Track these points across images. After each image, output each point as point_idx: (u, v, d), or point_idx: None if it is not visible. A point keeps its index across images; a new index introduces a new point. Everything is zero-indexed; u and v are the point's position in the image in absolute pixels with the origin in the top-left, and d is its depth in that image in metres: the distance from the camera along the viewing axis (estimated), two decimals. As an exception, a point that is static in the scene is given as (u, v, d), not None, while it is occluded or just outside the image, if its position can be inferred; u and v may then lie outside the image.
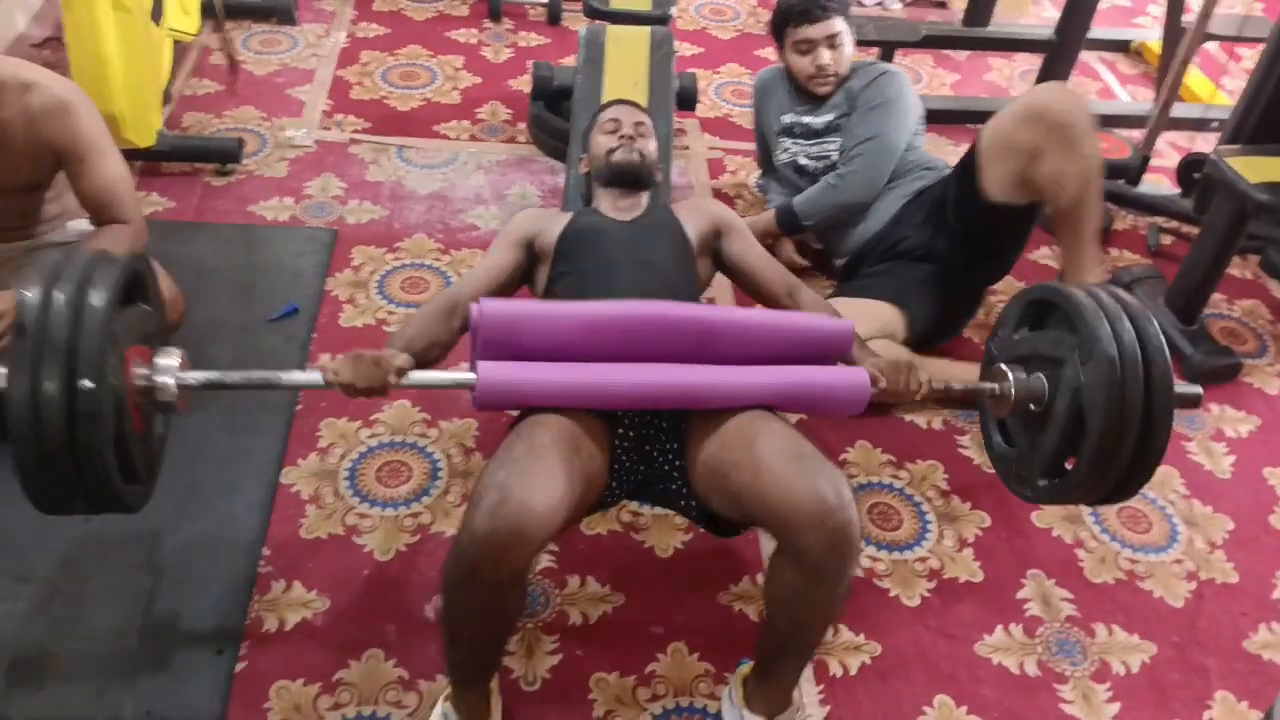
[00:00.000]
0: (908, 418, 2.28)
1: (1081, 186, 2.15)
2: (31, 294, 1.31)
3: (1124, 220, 2.98)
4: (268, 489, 1.94)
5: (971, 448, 2.21)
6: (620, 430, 1.64)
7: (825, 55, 2.50)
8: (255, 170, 2.82)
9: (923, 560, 1.96)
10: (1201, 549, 2.05)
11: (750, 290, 1.97)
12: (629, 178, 1.99)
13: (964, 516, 2.06)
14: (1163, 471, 2.19)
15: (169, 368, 1.46)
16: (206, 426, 2.04)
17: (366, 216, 2.69)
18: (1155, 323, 1.54)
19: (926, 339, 2.35)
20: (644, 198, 2.01)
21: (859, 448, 2.19)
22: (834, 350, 1.68)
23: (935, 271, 2.36)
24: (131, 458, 1.42)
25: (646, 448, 1.66)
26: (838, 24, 2.49)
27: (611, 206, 1.98)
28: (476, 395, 1.50)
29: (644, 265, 1.82)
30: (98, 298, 1.33)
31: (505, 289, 1.89)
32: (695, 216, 1.97)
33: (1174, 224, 2.94)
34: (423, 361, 1.65)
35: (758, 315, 1.69)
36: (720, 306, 1.71)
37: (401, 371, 1.51)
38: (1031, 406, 1.63)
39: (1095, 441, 1.51)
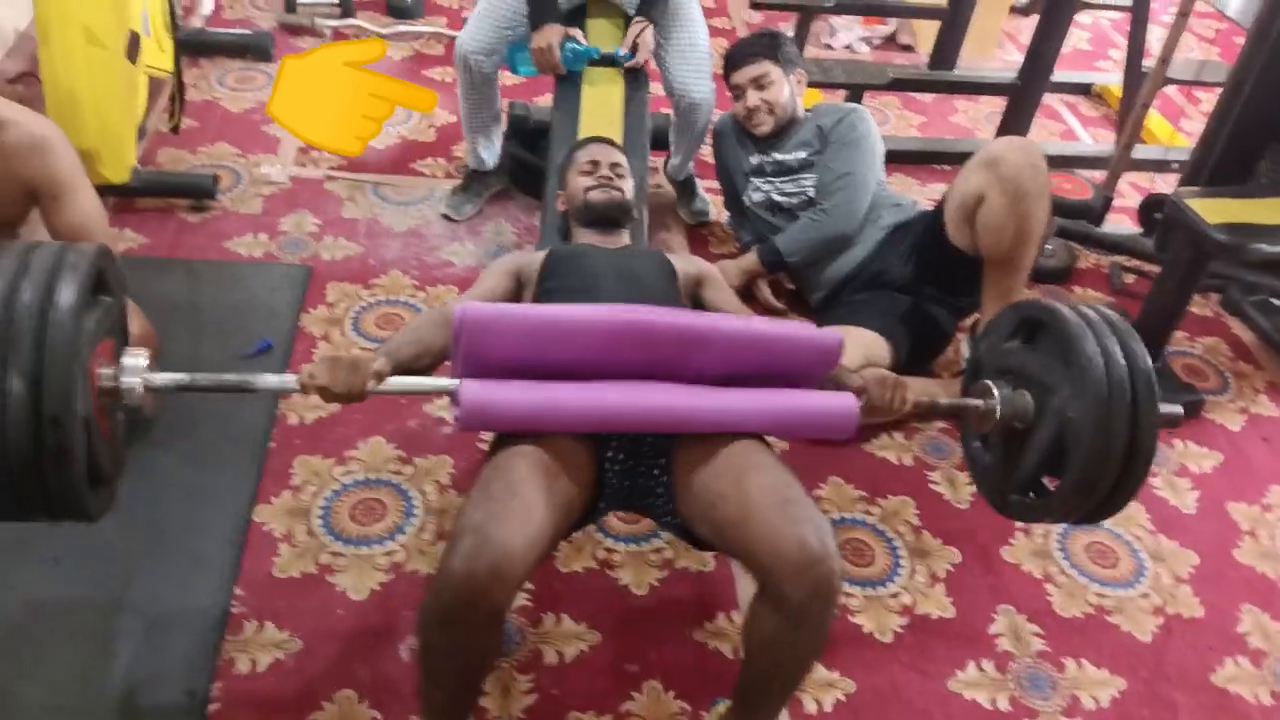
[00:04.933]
0: (879, 454, 2.31)
1: (1016, 244, 2.23)
2: None
3: (1087, 259, 3.04)
4: (240, 527, 1.93)
5: (942, 483, 2.24)
6: (609, 453, 1.63)
7: (752, 97, 2.59)
8: (230, 206, 2.82)
9: (895, 596, 1.98)
10: (1168, 584, 2.08)
11: None
12: (608, 218, 2.03)
13: (935, 552, 2.08)
14: (1129, 507, 2.20)
15: (135, 368, 1.40)
16: (177, 463, 2.02)
17: (341, 253, 2.70)
18: (1144, 349, 1.53)
19: (905, 369, 2.39)
20: (624, 237, 2.06)
21: (831, 483, 2.21)
22: (824, 362, 1.64)
23: (915, 303, 2.43)
24: (98, 461, 1.36)
25: (632, 463, 1.64)
26: (762, 66, 2.58)
27: (593, 240, 2.02)
28: (460, 416, 1.46)
29: (629, 279, 1.83)
30: (65, 299, 1.25)
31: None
32: (681, 261, 2.01)
33: (1136, 263, 3.00)
34: (410, 370, 1.62)
35: (746, 323, 1.65)
36: (707, 313, 1.71)
37: (380, 376, 1.48)
38: (1015, 424, 1.63)
39: (1077, 475, 1.51)
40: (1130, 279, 2.96)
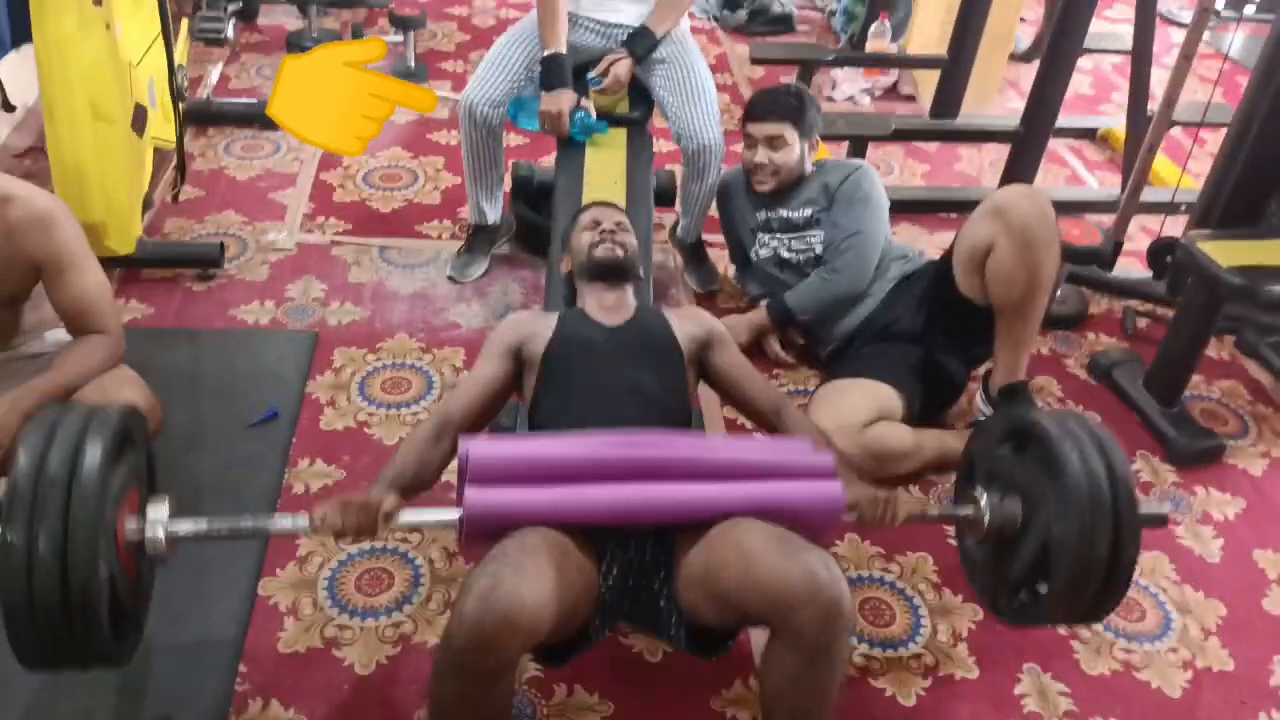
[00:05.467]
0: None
1: (1027, 292, 2.22)
2: (26, 457, 1.37)
3: (1099, 304, 3.01)
4: (245, 601, 1.90)
5: (960, 538, 2.19)
6: (604, 566, 1.64)
7: (760, 154, 2.58)
8: (237, 274, 2.82)
9: (917, 658, 1.92)
10: (1196, 636, 2.02)
11: (736, 404, 2.03)
12: (612, 271, 2.02)
13: (957, 610, 2.03)
14: (1152, 557, 2.18)
15: (159, 520, 1.51)
16: (184, 537, 2.00)
17: (348, 318, 2.69)
18: (1124, 458, 1.63)
19: (918, 420, 2.36)
20: (629, 294, 2.03)
21: (848, 541, 2.17)
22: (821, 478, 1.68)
23: (926, 354, 2.40)
24: (123, 611, 1.47)
25: (631, 581, 1.66)
26: (781, 128, 2.55)
27: (598, 306, 1.99)
28: (464, 526, 1.53)
29: (632, 390, 1.82)
30: (89, 467, 1.37)
31: (496, 399, 1.90)
32: (687, 322, 2.00)
33: (1149, 307, 2.97)
34: (415, 487, 1.71)
35: (741, 454, 1.69)
36: (704, 440, 1.75)
37: (389, 516, 1.55)
38: (1005, 531, 1.71)
39: (1062, 588, 1.61)
40: (1143, 323, 2.93)
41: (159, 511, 1.52)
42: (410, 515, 1.60)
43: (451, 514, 1.57)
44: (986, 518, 1.71)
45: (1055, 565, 1.62)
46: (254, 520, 1.61)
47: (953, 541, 2.17)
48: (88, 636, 1.38)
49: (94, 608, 1.36)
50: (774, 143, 2.56)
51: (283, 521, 1.59)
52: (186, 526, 1.54)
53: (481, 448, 1.58)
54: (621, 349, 1.89)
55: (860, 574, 2.09)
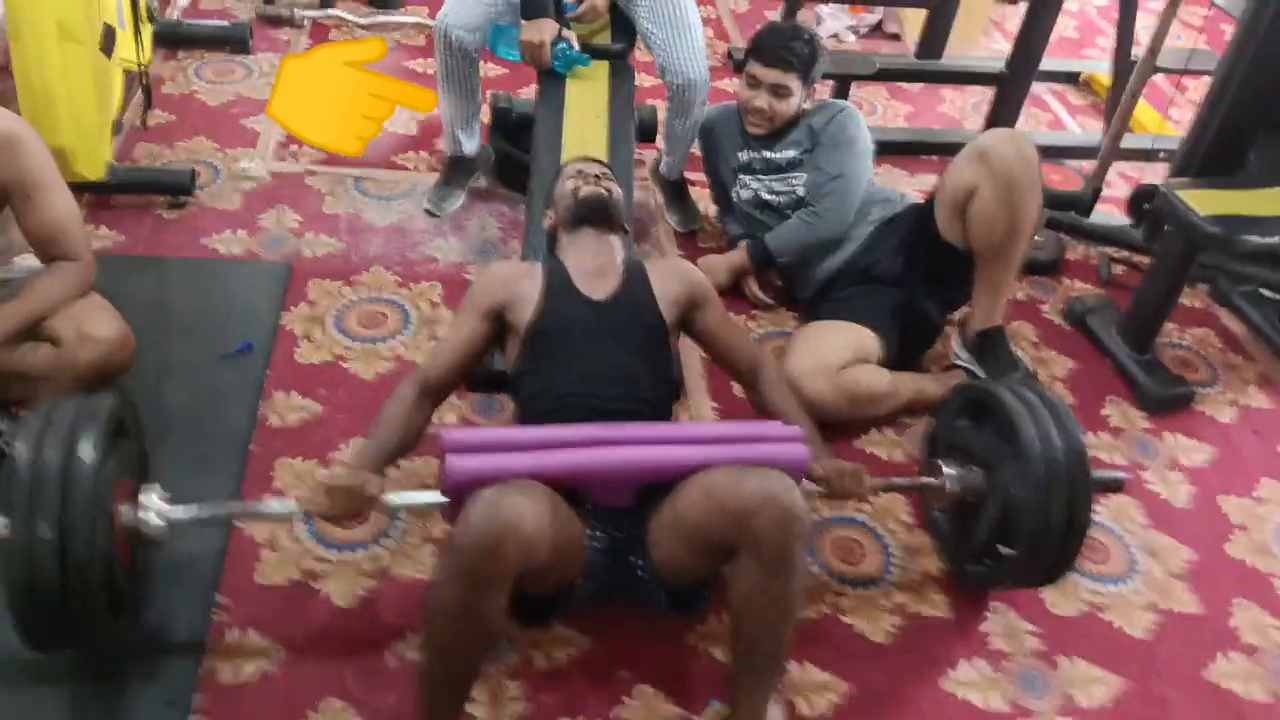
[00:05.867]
0: (869, 449, 2.28)
1: (1007, 236, 2.23)
2: (24, 445, 1.43)
3: (1076, 251, 3.02)
4: (222, 534, 1.89)
5: (934, 480, 2.22)
6: (586, 536, 1.67)
7: (761, 100, 2.53)
8: (208, 203, 2.77)
9: (888, 595, 1.96)
10: (1161, 579, 2.07)
11: (715, 359, 2.07)
12: (597, 211, 1.97)
13: (928, 550, 2.05)
14: (1122, 501, 2.22)
15: (153, 505, 1.59)
16: (155, 466, 1.98)
17: (323, 249, 2.66)
18: (1077, 427, 1.76)
19: (895, 363, 2.37)
20: (616, 246, 1.97)
21: (822, 481, 2.18)
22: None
23: (905, 297, 2.41)
24: (120, 593, 1.55)
25: (611, 555, 1.68)
26: (787, 78, 2.50)
27: (583, 267, 1.92)
28: (448, 485, 1.55)
29: (618, 376, 1.81)
30: (85, 454, 1.45)
31: (474, 359, 1.91)
32: (671, 284, 1.95)
33: (1126, 254, 2.98)
34: (400, 453, 1.79)
35: (712, 431, 1.79)
36: (681, 431, 1.82)
37: (375, 500, 1.62)
38: (968, 499, 1.84)
39: (1023, 549, 1.75)
40: (1120, 270, 2.95)
41: (152, 497, 1.59)
42: (397, 498, 1.65)
43: (439, 496, 1.60)
44: (950, 486, 1.83)
45: (1016, 530, 1.73)
46: (244, 506, 1.72)
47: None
48: (86, 617, 1.44)
49: (92, 589, 1.43)
50: (778, 91, 2.52)
51: (274, 506, 1.68)
52: (179, 512, 1.60)
53: (459, 433, 1.62)
54: (608, 329, 1.86)
55: (834, 514, 2.11)
